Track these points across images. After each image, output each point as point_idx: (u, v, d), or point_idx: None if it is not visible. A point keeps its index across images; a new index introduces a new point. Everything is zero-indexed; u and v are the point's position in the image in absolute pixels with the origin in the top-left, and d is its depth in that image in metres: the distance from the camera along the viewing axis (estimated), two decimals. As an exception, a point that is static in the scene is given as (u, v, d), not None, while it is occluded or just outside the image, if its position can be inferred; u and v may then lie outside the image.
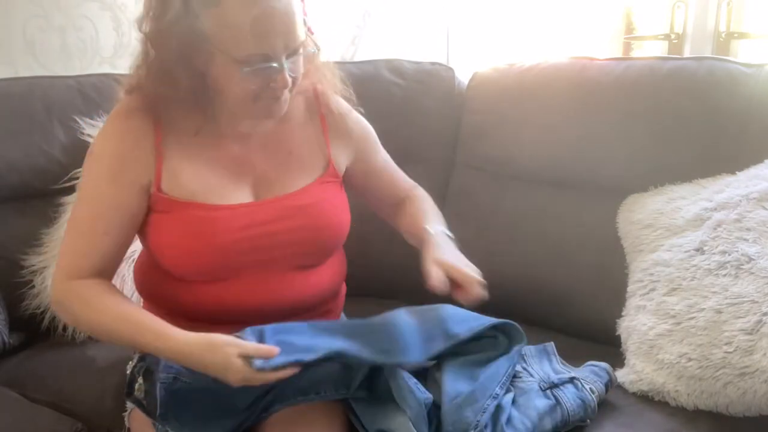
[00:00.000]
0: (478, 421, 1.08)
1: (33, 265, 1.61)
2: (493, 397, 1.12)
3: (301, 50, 1.14)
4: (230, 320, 1.19)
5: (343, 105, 1.34)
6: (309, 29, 1.18)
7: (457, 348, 1.19)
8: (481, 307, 1.53)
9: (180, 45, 1.10)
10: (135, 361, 1.23)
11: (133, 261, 1.42)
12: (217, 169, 1.21)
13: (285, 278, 1.21)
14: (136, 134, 1.18)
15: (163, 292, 1.23)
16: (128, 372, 1.23)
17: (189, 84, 1.13)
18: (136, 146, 1.17)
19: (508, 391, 1.17)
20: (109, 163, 1.18)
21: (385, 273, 1.71)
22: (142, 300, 1.35)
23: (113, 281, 1.47)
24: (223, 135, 1.23)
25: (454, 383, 1.14)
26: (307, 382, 1.15)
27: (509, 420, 1.13)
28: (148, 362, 1.17)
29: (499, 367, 1.19)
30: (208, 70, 1.13)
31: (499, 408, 1.13)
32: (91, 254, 1.17)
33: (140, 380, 1.16)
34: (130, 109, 1.18)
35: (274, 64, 1.10)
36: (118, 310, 1.13)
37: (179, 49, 1.10)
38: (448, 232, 1.27)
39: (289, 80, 1.13)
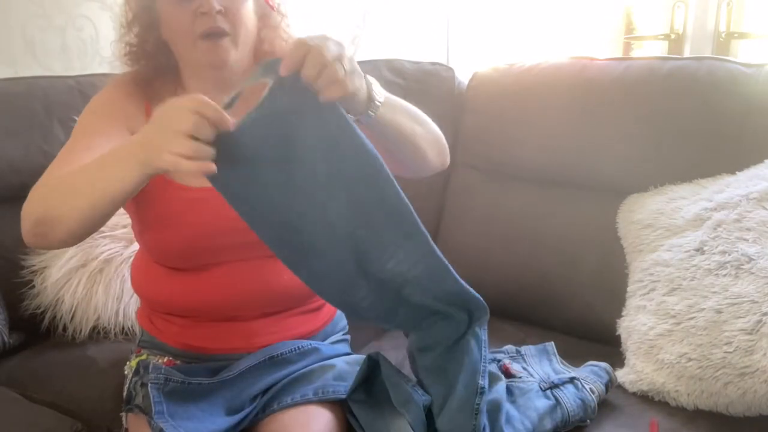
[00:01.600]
0: (474, 424, 1.07)
1: (33, 265, 1.61)
2: (480, 393, 1.09)
3: None
4: (224, 315, 1.21)
5: None
6: None
7: (413, 326, 1.13)
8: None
9: (137, 11, 1.20)
10: (130, 375, 1.23)
11: (129, 260, 1.43)
12: None
13: (273, 266, 1.18)
14: (127, 99, 1.24)
15: (158, 289, 1.23)
16: (126, 387, 1.23)
17: (155, 51, 1.21)
18: (127, 102, 1.23)
19: (497, 379, 1.15)
20: (100, 108, 1.23)
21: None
22: (140, 299, 1.35)
23: (115, 282, 1.46)
24: None
25: (434, 389, 1.11)
26: (306, 381, 1.16)
27: (509, 420, 1.13)
28: (141, 371, 1.17)
29: (472, 354, 1.10)
30: (163, 30, 1.20)
31: (498, 408, 1.12)
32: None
33: (137, 388, 1.16)
34: (118, 83, 1.26)
35: None
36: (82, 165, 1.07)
37: (137, 15, 1.21)
38: (378, 94, 1.15)
39: (216, 5, 1.14)
